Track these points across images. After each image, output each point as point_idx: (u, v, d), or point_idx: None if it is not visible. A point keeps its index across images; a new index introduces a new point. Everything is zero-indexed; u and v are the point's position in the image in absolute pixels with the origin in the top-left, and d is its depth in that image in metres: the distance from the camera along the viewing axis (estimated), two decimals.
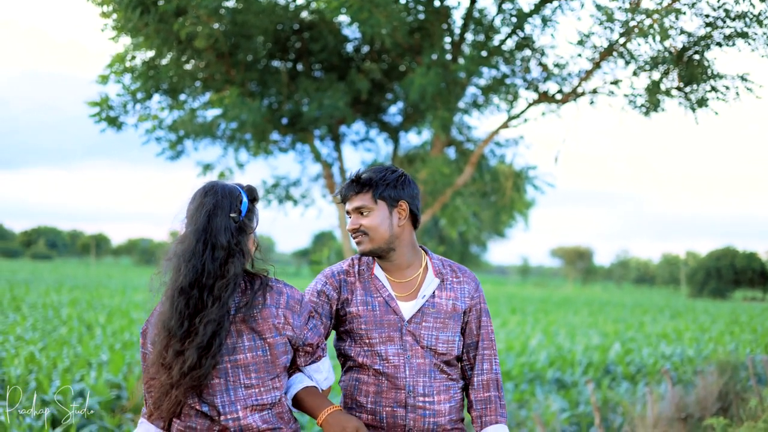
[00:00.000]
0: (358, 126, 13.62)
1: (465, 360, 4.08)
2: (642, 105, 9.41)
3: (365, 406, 3.96)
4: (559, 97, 10.47)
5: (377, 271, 4.06)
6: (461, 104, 11.86)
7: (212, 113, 12.03)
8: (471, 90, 11.89)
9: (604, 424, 13.47)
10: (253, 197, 3.94)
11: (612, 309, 49.11)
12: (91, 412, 12.81)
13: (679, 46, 8.65)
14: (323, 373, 3.90)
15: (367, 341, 3.98)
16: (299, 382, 3.89)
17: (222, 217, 3.76)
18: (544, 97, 10.54)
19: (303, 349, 3.85)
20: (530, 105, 10.73)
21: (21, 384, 13.40)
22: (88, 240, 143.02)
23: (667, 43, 8.61)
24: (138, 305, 34.44)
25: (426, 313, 3.94)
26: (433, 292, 4.00)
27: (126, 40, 11.24)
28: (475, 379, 4.05)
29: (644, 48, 8.99)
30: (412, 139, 14.53)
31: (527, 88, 10.88)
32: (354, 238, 4.05)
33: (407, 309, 3.96)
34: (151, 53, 11.29)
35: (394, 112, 13.50)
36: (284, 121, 12.25)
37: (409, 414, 3.88)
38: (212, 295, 3.66)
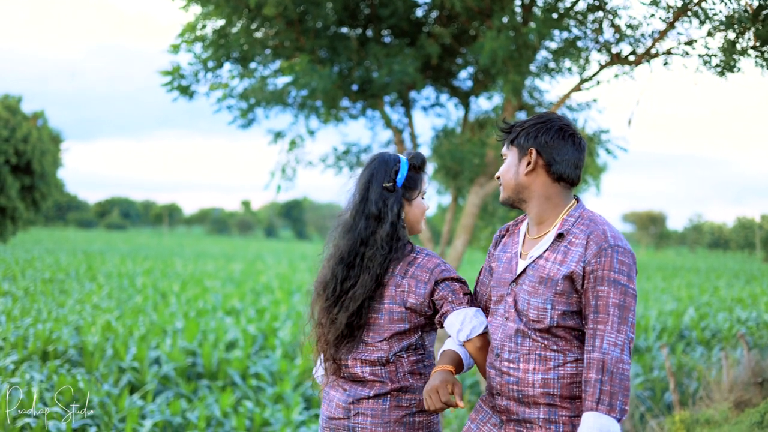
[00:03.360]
0: (429, 91, 13.56)
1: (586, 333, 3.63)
2: (717, 65, 9.26)
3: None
4: (632, 58, 10.33)
5: (522, 226, 3.95)
6: (532, 68, 11.76)
7: (283, 81, 12.04)
8: (542, 54, 11.78)
9: (678, 389, 13.40)
10: (414, 165, 4.12)
11: (686, 274, 48.77)
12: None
13: (756, 4, 8.49)
14: (454, 326, 3.92)
15: (491, 299, 3.95)
16: (444, 345, 4.05)
17: (376, 187, 4.05)
18: (617, 59, 10.41)
19: (440, 311, 3.99)
20: (603, 67, 10.61)
21: (98, 351, 13.60)
22: (160, 210, 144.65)
23: (743, 1, 8.47)
24: (211, 274, 34.74)
25: (527, 274, 3.71)
26: (543, 253, 3.72)
27: (196, 9, 11.29)
28: (584, 356, 3.54)
29: (719, 7, 8.84)
30: (483, 104, 14.48)
31: (599, 51, 10.74)
32: None
33: (520, 269, 3.79)
34: (221, 22, 11.33)
35: (464, 77, 13.43)
36: (354, 87, 12.24)
37: (496, 377, 3.74)
38: (362, 264, 3.99)
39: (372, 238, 4.00)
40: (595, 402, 3.41)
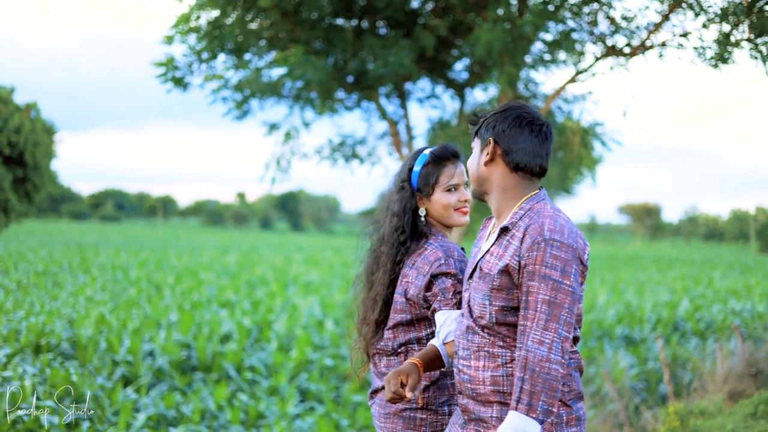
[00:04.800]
0: (424, 83, 13.56)
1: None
2: (711, 57, 9.26)
3: None
4: (627, 50, 10.34)
5: (494, 220, 3.85)
6: (528, 59, 11.75)
7: (277, 72, 12.04)
8: (537, 46, 11.78)
9: (673, 381, 13.42)
10: (428, 161, 4.17)
11: (680, 265, 48.81)
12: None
13: None
14: (437, 327, 3.93)
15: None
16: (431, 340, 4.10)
17: (396, 183, 4.23)
18: (612, 51, 10.42)
19: (431, 308, 4.02)
20: (598, 59, 10.62)
21: (91, 344, 13.57)
22: (155, 202, 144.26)
23: None
24: (206, 266, 34.70)
25: (477, 270, 3.64)
26: (491, 247, 3.63)
27: (191, 0, 11.28)
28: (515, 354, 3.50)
29: None
30: (478, 95, 14.48)
31: (595, 43, 10.75)
32: None
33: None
34: (215, 13, 11.32)
35: (460, 69, 13.43)
36: (350, 79, 12.23)
37: (456, 375, 3.72)
38: (380, 260, 4.19)
39: (382, 234, 4.17)
40: (515, 401, 3.34)
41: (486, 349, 3.56)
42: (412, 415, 3.98)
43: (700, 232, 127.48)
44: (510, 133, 3.64)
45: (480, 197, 3.80)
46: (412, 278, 3.98)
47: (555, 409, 3.34)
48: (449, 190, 4.09)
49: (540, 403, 3.30)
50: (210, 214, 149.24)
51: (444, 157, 4.12)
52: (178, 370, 13.62)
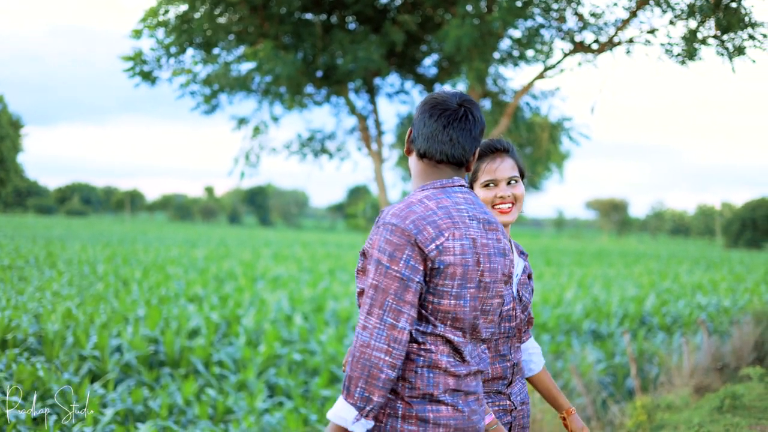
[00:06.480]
0: (393, 78, 13.57)
1: None
2: (679, 54, 9.32)
3: None
4: (595, 47, 10.38)
5: None
6: (496, 55, 11.79)
7: (246, 67, 12.03)
8: (506, 42, 11.82)
9: (640, 375, 13.49)
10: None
11: (647, 260, 49.05)
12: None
13: None
14: None
15: None
16: None
17: None
18: (580, 48, 10.47)
19: None
20: (566, 55, 10.66)
21: (58, 339, 13.49)
22: (122, 196, 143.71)
23: None
24: (174, 260, 34.54)
25: None
26: None
27: None
28: None
29: None
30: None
31: (563, 39, 10.79)
32: None
33: None
34: (184, 7, 11.28)
35: (429, 64, 13.45)
36: (319, 74, 12.23)
37: None
38: None
39: None
40: (342, 384, 3.28)
41: None
42: None
43: (667, 227, 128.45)
44: (417, 120, 3.58)
45: None
46: None
47: (376, 398, 3.25)
48: (487, 186, 4.04)
49: (357, 389, 3.24)
50: (178, 208, 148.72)
51: (483, 152, 4.06)
52: (145, 365, 13.57)
